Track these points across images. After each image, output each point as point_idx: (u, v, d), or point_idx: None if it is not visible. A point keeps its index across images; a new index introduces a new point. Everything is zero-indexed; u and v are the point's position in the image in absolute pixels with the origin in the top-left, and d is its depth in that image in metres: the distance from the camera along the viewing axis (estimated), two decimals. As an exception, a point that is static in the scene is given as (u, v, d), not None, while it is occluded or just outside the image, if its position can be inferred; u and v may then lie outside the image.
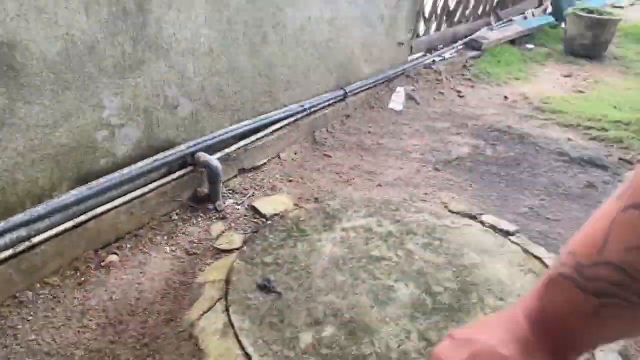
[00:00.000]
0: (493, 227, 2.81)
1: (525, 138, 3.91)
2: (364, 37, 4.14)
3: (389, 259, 2.49)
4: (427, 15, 5.35)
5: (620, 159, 3.68)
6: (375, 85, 4.36)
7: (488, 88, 4.94)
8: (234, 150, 3.04)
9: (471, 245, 2.63)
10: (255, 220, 2.76)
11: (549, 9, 7.36)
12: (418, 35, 5.18)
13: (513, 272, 2.48)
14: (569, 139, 3.95)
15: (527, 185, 3.31)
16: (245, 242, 2.57)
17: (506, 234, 2.77)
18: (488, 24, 6.39)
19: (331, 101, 3.86)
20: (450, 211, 2.95)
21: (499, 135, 3.95)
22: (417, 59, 5.08)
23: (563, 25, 7.04)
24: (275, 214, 2.81)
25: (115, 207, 2.43)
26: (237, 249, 2.54)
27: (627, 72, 5.77)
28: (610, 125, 4.09)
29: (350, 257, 2.48)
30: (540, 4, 7.83)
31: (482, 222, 2.85)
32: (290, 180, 3.18)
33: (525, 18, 7.15)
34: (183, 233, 2.61)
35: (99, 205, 2.36)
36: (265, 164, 3.29)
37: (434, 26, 5.51)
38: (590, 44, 6.02)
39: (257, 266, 2.39)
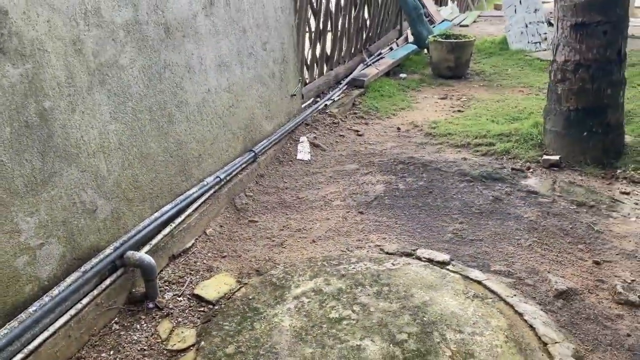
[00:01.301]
0: (430, 261, 2.97)
1: (428, 165, 4.19)
2: (260, 96, 4.20)
3: (348, 318, 2.51)
4: (309, 63, 5.58)
5: (512, 169, 4.08)
6: (280, 140, 4.43)
7: (380, 122, 5.23)
8: (161, 239, 2.90)
9: (417, 284, 2.75)
10: (201, 309, 2.65)
11: (410, 38, 8.02)
12: (305, 84, 5.36)
13: (460, 301, 2.62)
14: (465, 159, 4.30)
15: (444, 211, 3.54)
16: (200, 336, 2.45)
17: (443, 264, 2.94)
18: (362, 60, 6.80)
19: (243, 165, 3.85)
20: (386, 253, 3.06)
21: (404, 167, 4.19)
22: (309, 106, 5.25)
23: (426, 51, 7.70)
24: (222, 297, 2.72)
25: (52, 334, 2.20)
26: (192, 345, 2.41)
27: (489, 85, 6.45)
28: (495, 139, 4.53)
29: (311, 325, 2.47)
30: (400, 34, 8.50)
31: (419, 258, 3.00)
32: (224, 256, 3.10)
33: (391, 49, 7.72)
34: (129, 342, 2.43)
35: (34, 338, 2.12)
36: (193, 244, 3.17)
37: (316, 72, 5.75)
38: (454, 65, 6.65)
39: (222, 360, 2.29)
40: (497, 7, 13.82)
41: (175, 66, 3.04)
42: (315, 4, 5.62)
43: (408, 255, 3.04)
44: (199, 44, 3.28)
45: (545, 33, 7.76)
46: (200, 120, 3.38)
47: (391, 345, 2.34)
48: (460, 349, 2.32)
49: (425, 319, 2.50)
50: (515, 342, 2.36)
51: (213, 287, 2.79)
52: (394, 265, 2.93)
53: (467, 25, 10.16)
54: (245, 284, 2.81)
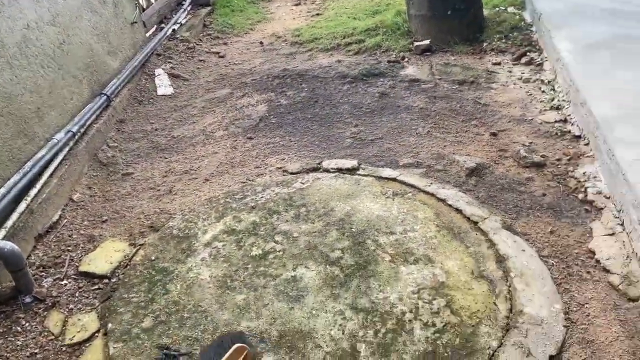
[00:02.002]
0: (339, 170, 2.75)
1: (304, 75, 3.90)
2: (94, 27, 3.49)
3: (273, 251, 2.23)
4: (141, -16, 4.81)
5: (388, 61, 3.95)
6: (132, 77, 3.79)
7: (240, 39, 4.75)
8: (19, 219, 2.30)
9: (334, 197, 2.53)
10: (95, 287, 2.18)
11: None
12: (143, 10, 4.63)
13: (382, 203, 2.46)
14: (339, 61, 4.07)
15: (336, 117, 3.31)
16: (104, 319, 2.01)
17: (353, 171, 2.74)
18: (200, -23, 6.09)
19: (97, 112, 3.21)
20: (291, 173, 2.78)
21: (281, 81, 3.84)
22: (155, 34, 4.58)
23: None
24: (117, 267, 2.26)
25: None
26: (97, 331, 1.97)
27: (339, -15, 6.19)
28: (363, 36, 4.33)
29: (234, 270, 2.15)
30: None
31: (327, 170, 2.76)
32: (105, 221, 2.58)
33: (227, -38, 7.03)
34: (13, 350, 1.92)
35: None
36: (61, 216, 2.60)
37: (153, -5, 5.00)
38: (299, -31, 6.24)
39: (140, 338, 1.89)
40: None
41: (-28, -5, 2.30)
42: None
43: (314, 170, 2.78)
44: (-3, -36, 2.51)
45: None
46: (27, 64, 2.67)
47: (327, 266, 2.12)
48: (398, 250, 2.17)
49: (353, 229, 2.31)
50: (448, 229, 2.27)
51: (102, 259, 2.30)
52: (303, 184, 2.66)
53: None
54: (142, 245, 2.36)
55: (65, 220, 2.58)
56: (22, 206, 2.34)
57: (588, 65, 3.03)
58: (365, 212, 2.41)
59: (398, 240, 2.23)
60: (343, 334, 1.84)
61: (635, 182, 2.11)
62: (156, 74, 3.99)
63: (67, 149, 2.81)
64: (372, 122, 3.22)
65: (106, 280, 2.20)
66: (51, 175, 2.62)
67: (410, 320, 1.86)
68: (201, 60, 4.33)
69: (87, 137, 3.04)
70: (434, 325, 1.84)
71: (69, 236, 2.48)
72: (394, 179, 2.63)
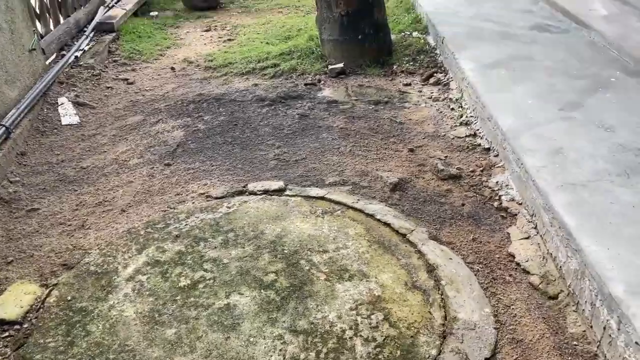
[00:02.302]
0: (266, 192, 2.71)
1: (221, 99, 3.83)
2: (-12, 54, 3.22)
3: (203, 280, 2.13)
4: (38, 11, 4.52)
5: (305, 84, 4.00)
6: (32, 107, 3.52)
7: (149, 65, 4.60)
8: None
9: (262, 220, 2.48)
10: (6, 334, 1.95)
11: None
12: (42, 36, 4.35)
13: (312, 222, 2.45)
14: (256, 85, 4.05)
15: (257, 140, 3.28)
16: (16, 371, 1.80)
17: (280, 192, 2.71)
18: (102, 3, 5.85)
19: (-5, 145, 2.94)
20: (216, 198, 2.69)
21: (197, 106, 3.75)
22: (56, 61, 4.31)
23: (170, -14, 7.02)
24: (28, 311, 2.04)
25: None
26: (8, 387, 1.76)
27: (248, 11, 6.22)
28: (278, 60, 4.36)
29: (161, 303, 2.02)
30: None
31: (253, 193, 2.71)
32: (10, 262, 2.34)
33: (130, -12, 6.83)
34: None
35: None
36: (-43, 261, 2.32)
37: (51, 21, 4.72)
38: (207, -5, 6.21)
39: (61, 388, 1.71)
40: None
41: None
42: (24, -64, 4.49)
43: (240, 193, 2.72)
44: None
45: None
46: None
47: (262, 290, 2.06)
48: (332, 268, 2.16)
49: (285, 251, 2.27)
50: (379, 243, 2.31)
51: (11, 303, 2.07)
52: (229, 208, 2.58)
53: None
54: (55, 285, 2.16)
55: (-38, 264, 2.31)
56: None
57: (490, 82, 3.25)
58: (296, 232, 2.38)
59: (332, 258, 2.22)
60: (284, 358, 1.78)
61: (543, 187, 2.27)
62: (59, 103, 3.74)
63: (-40, 185, 2.53)
64: (295, 143, 3.23)
65: (17, 326, 1.98)
66: (-57, 215, 2.34)
67: (350, 337, 1.84)
68: (109, 88, 4.13)
69: (-17, 172, 2.77)
70: (374, 340, 1.84)
71: (-32, 282, 2.22)
72: (322, 198, 2.64)
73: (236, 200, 2.65)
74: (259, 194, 2.70)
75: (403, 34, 4.64)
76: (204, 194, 2.74)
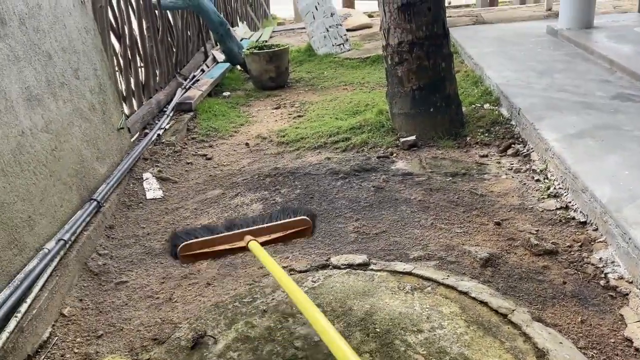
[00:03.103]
0: (350, 266, 2.65)
1: (296, 172, 3.89)
2: (84, 133, 3.43)
3: (295, 358, 2.04)
4: (125, 93, 4.86)
5: (378, 157, 4.00)
6: (120, 182, 3.68)
7: (225, 142, 4.77)
8: (8, 339, 2.06)
9: (349, 295, 2.40)
10: (97, 414, 1.92)
11: (220, 57, 7.67)
12: (127, 116, 4.65)
13: (402, 299, 2.35)
14: (328, 158, 4.10)
15: (335, 213, 3.26)
16: None
17: (364, 266, 2.64)
18: (180, 85, 6.24)
19: (87, 218, 3.06)
20: (300, 272, 2.65)
21: (273, 180, 3.81)
22: (139, 139, 4.55)
23: (239, 67, 7.44)
24: (120, 389, 2.01)
25: None
26: None
27: (314, 89, 6.44)
28: (349, 134, 4.43)
29: (255, 383, 1.94)
30: (206, 56, 8.10)
31: (337, 267, 2.65)
32: (100, 336, 2.35)
33: (203, 71, 7.28)
34: None
35: None
36: (52, 333, 2.35)
37: (135, 103, 5.05)
38: (275, 75, 6.50)
39: None
40: (281, 24, 14.26)
41: (-28, 103, 2.23)
42: (117, 27, 4.93)
43: (324, 267, 2.67)
44: (-3, 72, 2.48)
45: (346, 34, 8.13)
46: (21, 172, 2.56)
47: (358, 372, 1.95)
48: (430, 350, 2.03)
49: (377, 329, 2.16)
50: (477, 324, 2.16)
51: (104, 381, 2.06)
52: (314, 282, 2.53)
53: (265, 41, 10.15)
54: (147, 360, 2.14)
55: (57, 337, 2.34)
56: (12, 324, 2.11)
57: (578, 153, 3.14)
58: (386, 309, 2.28)
59: (428, 338, 2.09)
60: None
61: (659, 264, 2.09)
62: (144, 178, 3.90)
63: (57, 258, 2.62)
64: (373, 216, 3.18)
65: (109, 406, 1.94)
66: (42, 288, 2.41)
67: None
68: (189, 163, 4.29)
69: (77, 245, 2.86)
70: None
71: (62, 356, 2.23)
72: (409, 273, 2.54)
73: (320, 274, 2.60)
74: (342, 268, 2.63)
75: (474, 106, 4.63)
76: (287, 267, 2.71)
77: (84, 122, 3.47)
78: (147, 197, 3.70)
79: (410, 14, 3.97)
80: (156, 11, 6.06)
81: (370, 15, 12.54)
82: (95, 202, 3.21)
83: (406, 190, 3.47)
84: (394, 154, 4.05)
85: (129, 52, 5.08)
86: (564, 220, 2.90)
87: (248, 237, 2.21)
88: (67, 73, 3.32)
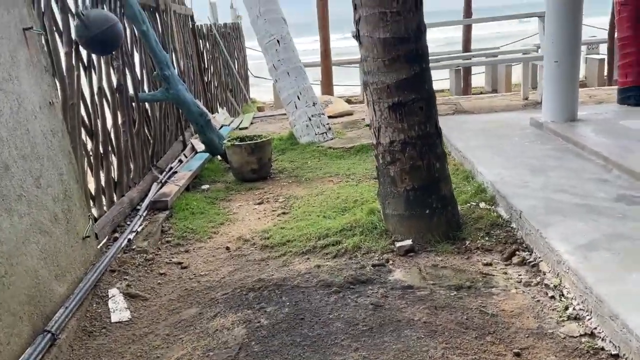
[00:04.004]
0: (353, 420, 2.21)
1: (283, 285, 3.50)
2: (43, 249, 3.03)
3: None
4: (94, 193, 4.50)
5: (373, 265, 3.66)
6: (82, 303, 3.23)
7: (203, 245, 4.38)
8: None
9: None
10: None
11: (199, 147, 7.44)
12: (96, 219, 4.26)
13: None
14: (318, 266, 3.74)
15: (330, 339, 2.85)
16: None
17: (370, 419, 2.21)
18: (155, 179, 5.92)
19: (39, 357, 2.58)
20: None
21: (257, 295, 3.41)
22: (107, 245, 4.14)
23: (220, 157, 7.19)
24: None
25: None
26: None
27: (298, 181, 6.17)
28: (339, 236, 4.10)
29: None
30: (184, 145, 7.87)
31: (338, 421, 2.22)
32: None
33: (181, 162, 7.00)
34: None
35: None
36: None
37: (106, 203, 4.68)
38: (258, 167, 6.23)
39: None
40: (260, 109, 14.34)
41: None
42: (89, 124, 4.64)
43: (322, 421, 2.23)
44: (-64, 196, 2.11)
45: (328, 123, 8.02)
46: (-44, 312, 2.13)
47: None
48: None
49: None
50: None
51: None
52: None
53: (246, 128, 10.07)
54: None
55: None
56: None
57: (596, 269, 2.85)
58: None
59: None
60: None
61: None
62: (110, 295, 3.46)
63: (-6, 420, 2.13)
64: (374, 343, 2.78)
65: None
66: None
67: None
68: (162, 274, 3.86)
69: (22, 394, 2.38)
70: None
71: None
72: None
73: None
74: None
75: (469, 204, 4.39)
76: (277, 421, 2.26)
77: (43, 236, 3.07)
78: (112, 320, 3.24)
79: (402, 113, 3.78)
80: (133, 104, 5.86)
81: (348, 101, 12.70)
82: (49, 334, 2.74)
83: (408, 308, 3.10)
84: (390, 262, 3.71)
85: (101, 149, 4.77)
86: (591, 351, 2.54)
87: None
88: (26, 183, 2.97)
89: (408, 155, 3.84)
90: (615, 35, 6.85)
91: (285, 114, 11.13)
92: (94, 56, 4.89)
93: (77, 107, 4.33)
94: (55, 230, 3.25)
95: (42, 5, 4.01)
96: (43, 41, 3.69)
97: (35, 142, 3.17)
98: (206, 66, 11.44)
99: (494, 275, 3.39)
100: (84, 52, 4.72)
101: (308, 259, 3.91)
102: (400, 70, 3.72)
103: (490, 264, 3.54)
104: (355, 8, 3.82)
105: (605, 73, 12.87)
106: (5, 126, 2.83)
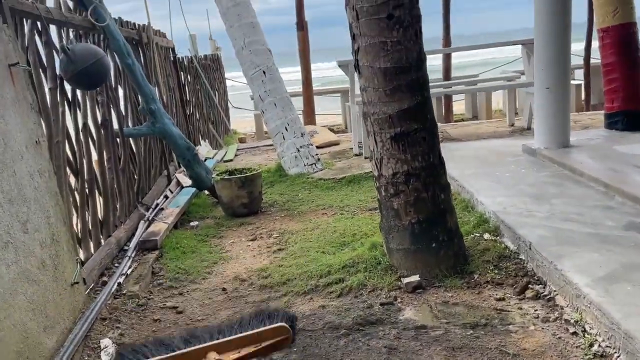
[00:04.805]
0: None
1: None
2: (31, 300, 2.79)
3: None
4: (80, 235, 4.26)
5: (381, 304, 3.49)
6: (72, 358, 2.97)
7: (198, 287, 4.15)
8: None
9: None
10: None
11: (186, 182, 7.23)
12: (83, 263, 4.01)
13: None
14: (323, 307, 3.55)
15: (345, 389, 2.66)
16: None
17: None
18: (142, 216, 5.68)
19: None
20: None
21: (261, 340, 3.19)
22: (95, 291, 3.89)
23: (207, 192, 6.99)
24: None
25: None
26: None
27: (291, 214, 6.00)
28: (342, 274, 3.93)
29: None
30: (169, 180, 7.65)
31: None
32: None
33: (166, 197, 6.77)
34: None
35: None
36: None
37: (92, 244, 4.43)
38: (248, 201, 6.05)
39: None
40: (242, 140, 14.19)
41: None
42: (74, 161, 4.43)
43: None
44: None
45: (317, 154, 7.91)
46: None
47: None
48: None
49: None
50: None
51: None
52: None
53: (231, 160, 9.90)
54: None
55: None
56: None
57: (621, 303, 2.73)
58: None
59: None
60: None
61: None
62: (102, 347, 3.20)
63: None
64: (393, 393, 2.60)
65: None
66: None
67: None
68: (156, 320, 3.62)
69: None
70: None
71: None
72: None
73: None
74: None
75: (473, 236, 4.27)
76: None
77: (31, 286, 2.84)
78: (106, 377, 2.99)
79: (405, 144, 3.68)
80: (117, 139, 5.66)
81: (331, 129, 12.66)
82: (38, 397, 2.49)
83: (424, 350, 2.93)
84: (399, 299, 3.54)
85: (86, 188, 4.55)
86: (628, 393, 2.41)
87: (213, 355, 1.83)
88: (13, 229, 2.75)
89: (412, 187, 3.72)
90: (600, 61, 6.92)
91: (270, 145, 11.05)
92: (78, 92, 4.71)
93: (62, 145, 4.13)
94: (43, 279, 3.01)
95: (26, 40, 3.85)
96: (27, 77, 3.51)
97: (22, 183, 2.96)
98: (188, 98, 11.28)
99: (509, 311, 3.25)
100: (67, 88, 4.54)
101: (311, 298, 3.72)
102: (402, 100, 3.63)
103: (503, 299, 3.40)
104: (354, 38, 3.74)
105: (583, 97, 13.12)
106: (-10, 169, 2.62)
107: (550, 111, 5.85)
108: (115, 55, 5.67)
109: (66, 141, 4.29)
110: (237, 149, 11.03)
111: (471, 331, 3.09)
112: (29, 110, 3.29)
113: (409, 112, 3.65)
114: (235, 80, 18.10)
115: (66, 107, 4.42)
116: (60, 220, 3.47)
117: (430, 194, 3.74)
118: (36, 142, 3.31)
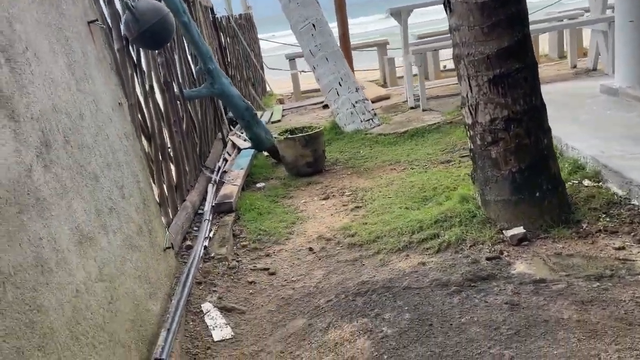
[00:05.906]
0: None
1: (392, 288, 3.15)
2: (136, 267, 2.70)
3: None
4: (158, 200, 4.15)
5: (487, 258, 3.29)
6: (179, 322, 2.89)
7: (283, 248, 4.03)
8: None
9: None
10: None
11: (242, 144, 7.08)
12: (168, 226, 3.92)
13: None
14: (423, 264, 3.38)
15: (474, 348, 2.50)
16: None
17: None
18: (209, 180, 5.57)
19: (156, 393, 2.25)
20: None
21: (367, 300, 3.06)
22: (183, 256, 3.80)
23: (266, 153, 6.84)
24: None
25: None
26: None
27: (357, 171, 5.80)
28: (435, 229, 3.73)
29: None
30: (224, 144, 7.52)
31: None
32: None
33: (226, 161, 6.66)
34: None
35: None
36: None
37: (170, 210, 4.33)
38: (313, 160, 5.86)
39: None
40: (281, 101, 13.88)
41: (20, 272, 1.50)
42: (145, 126, 4.29)
43: None
44: (45, 215, 1.77)
45: (373, 109, 7.62)
46: (79, 350, 1.79)
47: None
48: None
49: None
50: None
51: None
52: None
53: (279, 120, 9.70)
54: None
55: None
56: None
57: None
58: None
59: None
60: None
61: None
62: (204, 311, 3.12)
63: None
64: (529, 350, 2.42)
65: None
66: None
67: None
68: (250, 282, 3.52)
69: None
70: None
71: None
72: None
73: None
74: None
75: (571, 183, 3.99)
76: None
77: (134, 252, 2.73)
78: (215, 339, 2.90)
79: (505, 87, 3.39)
80: (178, 102, 5.50)
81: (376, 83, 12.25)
82: (160, 364, 2.41)
83: (550, 306, 2.73)
84: (505, 253, 3.33)
85: (160, 152, 4.42)
86: None
87: None
88: (114, 194, 2.63)
89: (513, 134, 3.45)
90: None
91: (316, 104, 10.80)
92: (141, 52, 4.54)
93: (136, 109, 3.99)
94: (143, 244, 2.91)
95: (94, -2, 3.65)
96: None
97: (114, 147, 2.83)
98: (229, 60, 11.05)
99: (634, 260, 3.01)
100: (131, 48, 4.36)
101: (407, 255, 3.54)
102: (501, 37, 3.32)
103: (623, 248, 3.15)
104: (445, -28, 3.42)
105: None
106: (89, 131, 2.48)
107: (634, 46, 5.38)
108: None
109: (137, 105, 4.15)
110: (283, 110, 10.80)
111: (597, 283, 2.86)
112: (109, 71, 3.14)
113: (509, 50, 3.34)
114: (270, 40, 17.73)
115: (133, 69, 4.25)
116: (148, 184, 3.36)
117: (533, 139, 3.46)
118: (119, 104, 3.16)
